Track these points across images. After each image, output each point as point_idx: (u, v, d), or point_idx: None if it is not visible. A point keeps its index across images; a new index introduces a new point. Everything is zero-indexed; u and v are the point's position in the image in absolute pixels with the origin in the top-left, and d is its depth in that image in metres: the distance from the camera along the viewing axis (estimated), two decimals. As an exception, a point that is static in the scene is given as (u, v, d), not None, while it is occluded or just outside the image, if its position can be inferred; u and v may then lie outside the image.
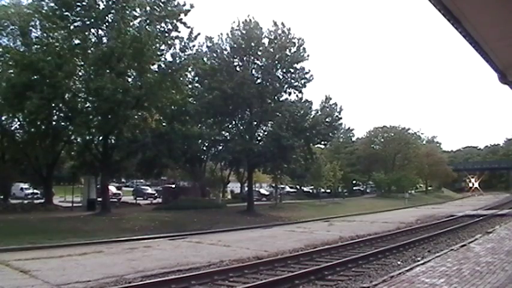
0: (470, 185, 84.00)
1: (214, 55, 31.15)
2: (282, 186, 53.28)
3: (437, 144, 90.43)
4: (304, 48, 31.55)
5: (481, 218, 28.37)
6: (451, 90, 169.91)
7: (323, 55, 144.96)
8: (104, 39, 24.38)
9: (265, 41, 31.26)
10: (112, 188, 34.25)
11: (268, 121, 33.01)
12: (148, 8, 24.46)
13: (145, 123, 26.05)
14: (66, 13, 22.99)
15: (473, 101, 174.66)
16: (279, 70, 31.59)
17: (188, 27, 25.28)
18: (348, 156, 63.18)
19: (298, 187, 59.76)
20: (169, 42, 25.35)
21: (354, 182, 67.19)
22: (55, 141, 31.04)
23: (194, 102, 30.22)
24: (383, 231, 21.09)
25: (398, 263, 12.35)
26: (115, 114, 23.55)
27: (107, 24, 24.16)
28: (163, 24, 24.65)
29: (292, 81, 32.13)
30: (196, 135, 32.16)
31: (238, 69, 31.42)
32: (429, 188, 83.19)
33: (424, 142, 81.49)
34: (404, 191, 56.75)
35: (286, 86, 32.26)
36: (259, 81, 31.62)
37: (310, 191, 56.02)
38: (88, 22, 23.51)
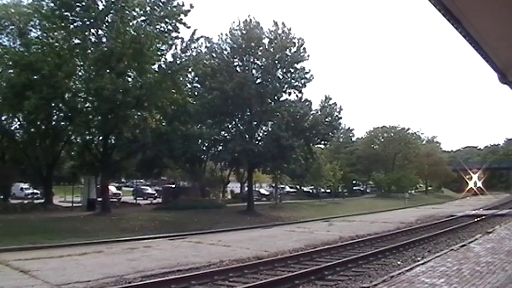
0: (472, 184, 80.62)
1: (214, 55, 31.17)
2: (282, 186, 53.28)
3: (437, 144, 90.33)
4: (304, 48, 31.63)
5: (481, 218, 28.37)
6: (451, 90, 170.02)
7: (323, 55, 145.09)
8: (104, 40, 24.37)
9: (266, 41, 31.30)
10: (112, 188, 34.24)
11: (268, 121, 33.02)
12: (148, 8, 24.47)
13: (145, 123, 26.01)
14: (66, 13, 23.00)
15: (473, 101, 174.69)
16: (279, 70, 31.62)
17: (188, 27, 25.33)
18: (348, 156, 63.17)
19: (298, 187, 59.72)
20: (169, 42, 25.37)
21: (354, 182, 67.18)
22: (55, 141, 31.07)
23: (194, 102, 30.24)
24: (383, 231, 21.10)
25: (398, 263, 12.35)
26: (115, 114, 23.57)
27: (106, 24, 24.15)
28: (163, 25, 24.66)
29: (292, 81, 32.16)
30: (196, 135, 32.16)
31: (238, 69, 31.46)
32: (429, 188, 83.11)
33: (424, 142, 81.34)
34: (404, 191, 56.72)
35: (286, 86, 32.29)
36: (259, 81, 31.65)
37: (310, 191, 56.01)
38: (88, 22, 23.51)
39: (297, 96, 32.80)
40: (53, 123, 28.94)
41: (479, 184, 75.56)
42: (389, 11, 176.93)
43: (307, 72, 32.04)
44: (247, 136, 31.73)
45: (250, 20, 31.09)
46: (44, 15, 23.31)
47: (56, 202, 31.97)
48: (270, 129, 33.30)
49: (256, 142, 32.29)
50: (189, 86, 30.58)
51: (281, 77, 31.90)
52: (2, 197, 30.54)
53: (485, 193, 73.59)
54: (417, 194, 71.10)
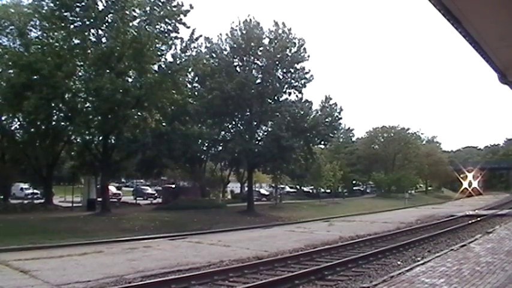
0: (466, 184, 73.21)
1: (214, 55, 31.16)
2: (282, 186, 53.26)
3: (437, 144, 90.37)
4: (304, 49, 31.58)
5: (481, 218, 28.36)
6: (451, 90, 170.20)
7: (323, 55, 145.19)
8: (104, 39, 24.39)
9: (266, 41, 31.27)
10: (112, 188, 34.25)
11: (268, 121, 33.00)
12: (147, 8, 24.48)
13: (145, 123, 26.05)
14: (66, 13, 22.99)
15: (473, 101, 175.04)
16: (279, 70, 31.57)
17: (188, 27, 25.37)
18: (348, 156, 63.15)
19: (298, 187, 59.75)
20: (169, 42, 25.38)
21: (354, 182, 67.14)
22: (55, 141, 31.09)
23: (194, 102, 30.26)
24: (383, 231, 21.09)
25: (398, 263, 12.34)
26: (115, 114, 23.60)
27: (106, 24, 24.16)
28: (163, 25, 24.67)
29: (292, 81, 32.12)
30: (196, 135, 32.17)
31: (238, 69, 31.43)
32: (429, 188, 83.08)
33: (424, 142, 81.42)
34: (404, 191, 56.70)
35: (286, 86, 32.25)
36: (259, 81, 31.62)
37: (310, 191, 56.02)
38: (87, 22, 23.50)
39: (297, 96, 32.83)
40: (53, 123, 28.95)
41: (475, 184, 73.30)
42: (390, 11, 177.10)
43: (307, 73, 32.03)
44: (247, 136, 31.70)
45: (250, 20, 31.09)
46: (44, 16, 23.32)
47: (56, 202, 31.99)
48: (270, 129, 33.27)
49: (256, 142, 32.27)
50: (189, 86, 30.58)
51: (281, 77, 31.85)
52: (2, 197, 30.52)
53: (482, 193, 72.11)
54: (417, 194, 71.04)
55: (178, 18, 24.67)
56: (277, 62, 31.05)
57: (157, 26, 24.51)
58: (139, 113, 26.12)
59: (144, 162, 35.27)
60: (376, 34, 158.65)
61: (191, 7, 24.67)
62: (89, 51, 23.83)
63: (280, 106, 31.51)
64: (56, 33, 24.07)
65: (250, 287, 9.23)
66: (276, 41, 30.91)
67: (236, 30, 31.05)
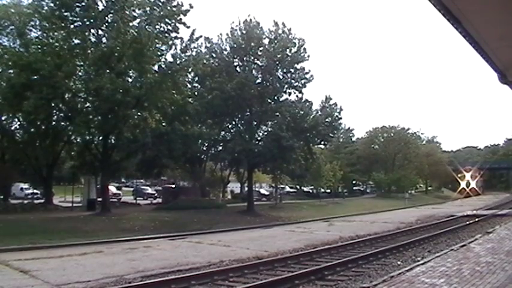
0: (464, 184, 70.89)
1: (214, 56, 31.16)
2: (282, 186, 53.29)
3: (437, 144, 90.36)
4: (304, 49, 31.60)
5: (481, 218, 28.35)
6: (451, 90, 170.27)
7: (323, 55, 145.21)
8: (104, 40, 24.39)
9: (266, 41, 31.27)
10: (112, 188, 34.24)
11: (268, 121, 33.01)
12: (147, 8, 24.49)
13: (145, 123, 26.05)
14: (66, 13, 23.02)
15: (473, 101, 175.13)
16: (279, 70, 31.58)
17: (188, 27, 25.40)
18: (348, 156, 63.18)
19: (298, 187, 59.77)
20: (169, 42, 25.39)
21: (354, 182, 67.16)
22: (55, 141, 31.10)
23: (194, 102, 30.27)
24: (383, 231, 21.08)
25: (398, 263, 12.34)
26: (115, 114, 23.61)
27: (106, 24, 24.17)
28: (163, 25, 24.69)
29: (293, 81, 32.13)
30: (196, 135, 32.17)
31: (238, 69, 31.44)
32: (429, 188, 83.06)
33: (424, 142, 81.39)
34: (404, 191, 56.70)
35: (286, 86, 32.27)
36: (259, 81, 31.63)
37: (310, 191, 56.03)
38: (87, 22, 23.53)
39: (297, 96, 32.85)
40: (53, 123, 28.99)
41: (473, 184, 71.56)
42: (390, 11, 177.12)
43: (307, 73, 32.04)
44: (247, 136, 31.72)
45: (250, 20, 31.09)
46: (44, 16, 23.33)
47: (56, 202, 32.01)
48: (270, 129, 33.30)
49: (256, 142, 32.29)
50: (189, 86, 30.57)
51: (281, 77, 31.85)
52: (2, 197, 30.52)
53: (480, 194, 71.13)
54: (417, 194, 71.04)
55: (178, 18, 24.70)
56: (277, 62, 31.05)
57: (157, 26, 24.51)
58: (139, 113, 26.11)
59: (144, 162, 35.27)
60: (376, 34, 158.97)
61: (191, 7, 24.75)
62: (89, 51, 23.83)
63: (280, 106, 31.52)
64: (56, 33, 24.05)
65: (250, 287, 9.23)
66: (276, 41, 30.92)
67: (236, 30, 31.06)
